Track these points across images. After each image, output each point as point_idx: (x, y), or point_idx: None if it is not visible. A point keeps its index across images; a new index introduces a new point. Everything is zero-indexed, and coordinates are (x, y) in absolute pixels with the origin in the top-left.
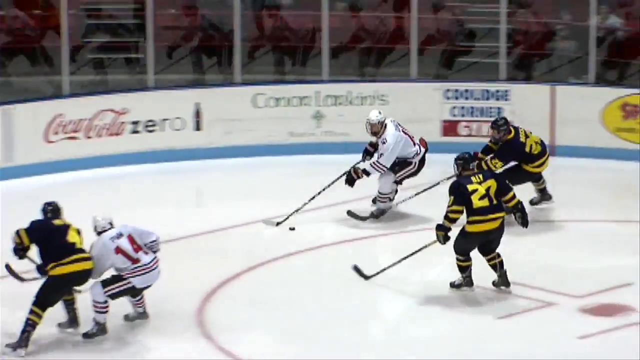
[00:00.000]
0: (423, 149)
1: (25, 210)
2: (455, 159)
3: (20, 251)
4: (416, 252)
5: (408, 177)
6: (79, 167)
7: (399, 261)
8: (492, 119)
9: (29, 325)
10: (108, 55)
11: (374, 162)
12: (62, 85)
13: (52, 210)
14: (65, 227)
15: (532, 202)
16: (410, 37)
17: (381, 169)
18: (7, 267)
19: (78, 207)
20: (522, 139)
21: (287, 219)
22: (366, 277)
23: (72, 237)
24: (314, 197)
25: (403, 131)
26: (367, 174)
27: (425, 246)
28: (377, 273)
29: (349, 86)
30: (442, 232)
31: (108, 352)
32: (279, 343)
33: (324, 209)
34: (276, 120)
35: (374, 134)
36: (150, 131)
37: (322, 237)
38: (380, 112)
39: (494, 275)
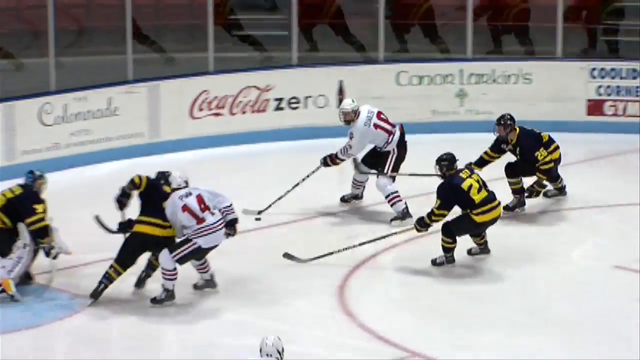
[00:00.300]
0: (398, 133)
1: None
2: (439, 161)
3: (126, 197)
4: (386, 236)
5: (396, 165)
6: (223, 143)
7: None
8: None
9: (105, 278)
10: (253, 32)
11: (342, 151)
12: (208, 62)
13: (164, 178)
14: (168, 194)
15: (546, 195)
16: (557, 14)
17: (349, 156)
18: (96, 218)
19: (222, 184)
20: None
21: (268, 207)
22: (302, 261)
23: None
24: (296, 185)
25: (374, 124)
26: (341, 160)
27: (396, 233)
28: (320, 256)
29: (493, 64)
30: (424, 229)
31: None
32: (419, 322)
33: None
34: (419, 99)
35: (347, 122)
36: (294, 108)
37: None
38: (353, 101)
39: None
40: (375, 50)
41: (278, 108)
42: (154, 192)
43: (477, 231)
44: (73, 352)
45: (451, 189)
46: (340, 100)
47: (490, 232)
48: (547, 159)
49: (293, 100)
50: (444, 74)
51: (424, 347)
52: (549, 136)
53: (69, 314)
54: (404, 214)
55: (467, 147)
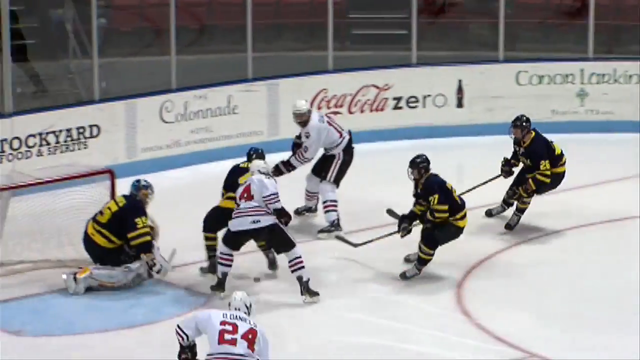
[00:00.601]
0: (348, 138)
1: (287, 182)
2: (418, 163)
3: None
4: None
5: (341, 170)
6: None
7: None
8: None
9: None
10: (372, 31)
11: (297, 155)
12: (327, 61)
13: (256, 153)
14: (244, 170)
15: (488, 213)
16: None
17: (304, 161)
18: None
19: (343, 182)
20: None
21: None
22: (354, 245)
23: (245, 178)
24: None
25: (327, 121)
26: (293, 167)
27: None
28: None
29: (615, 64)
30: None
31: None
32: (537, 323)
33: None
34: (538, 98)
35: (301, 123)
36: (412, 107)
37: (594, 216)
38: (306, 101)
39: None
40: (495, 49)
41: (396, 107)
42: (234, 173)
43: (457, 238)
44: None
45: (442, 183)
46: (460, 100)
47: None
48: (547, 172)
49: (412, 99)
50: (564, 73)
51: (541, 348)
52: (562, 151)
53: (187, 310)
54: (334, 225)
55: (586, 147)
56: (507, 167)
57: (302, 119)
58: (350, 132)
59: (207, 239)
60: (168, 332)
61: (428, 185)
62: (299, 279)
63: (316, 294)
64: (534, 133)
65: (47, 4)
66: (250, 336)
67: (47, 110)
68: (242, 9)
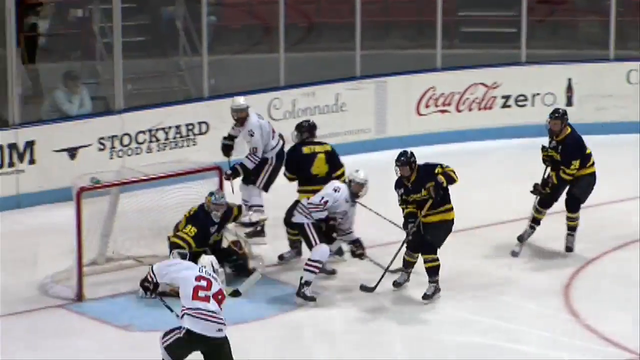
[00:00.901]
0: (281, 143)
1: (391, 180)
2: (408, 159)
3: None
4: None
5: (270, 179)
6: (449, 140)
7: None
8: None
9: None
10: (481, 29)
11: (250, 157)
12: (436, 59)
13: (307, 129)
14: (313, 156)
15: (520, 239)
16: None
17: (257, 160)
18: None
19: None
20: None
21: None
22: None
23: (316, 167)
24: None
25: (268, 122)
26: (248, 168)
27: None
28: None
29: None
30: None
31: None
32: None
33: None
34: None
35: (240, 120)
36: (521, 106)
37: None
38: (245, 98)
39: None
40: (605, 47)
41: (505, 105)
42: (292, 167)
43: (450, 232)
44: (292, 345)
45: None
46: (569, 98)
47: None
48: (573, 172)
49: (520, 98)
50: None
51: None
52: (591, 152)
53: (293, 308)
54: (262, 226)
55: None
56: (549, 157)
57: (242, 115)
58: (282, 137)
59: (288, 233)
60: (273, 329)
61: (423, 171)
62: (300, 278)
63: (311, 299)
64: (569, 129)
65: (158, 1)
66: (220, 297)
67: (156, 107)
68: (351, 7)
